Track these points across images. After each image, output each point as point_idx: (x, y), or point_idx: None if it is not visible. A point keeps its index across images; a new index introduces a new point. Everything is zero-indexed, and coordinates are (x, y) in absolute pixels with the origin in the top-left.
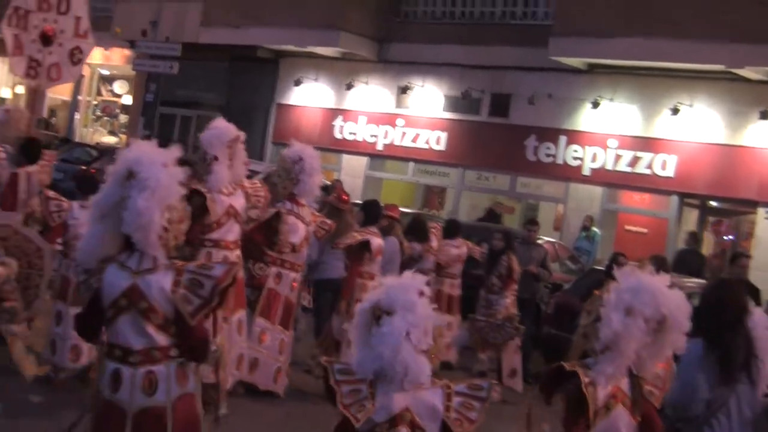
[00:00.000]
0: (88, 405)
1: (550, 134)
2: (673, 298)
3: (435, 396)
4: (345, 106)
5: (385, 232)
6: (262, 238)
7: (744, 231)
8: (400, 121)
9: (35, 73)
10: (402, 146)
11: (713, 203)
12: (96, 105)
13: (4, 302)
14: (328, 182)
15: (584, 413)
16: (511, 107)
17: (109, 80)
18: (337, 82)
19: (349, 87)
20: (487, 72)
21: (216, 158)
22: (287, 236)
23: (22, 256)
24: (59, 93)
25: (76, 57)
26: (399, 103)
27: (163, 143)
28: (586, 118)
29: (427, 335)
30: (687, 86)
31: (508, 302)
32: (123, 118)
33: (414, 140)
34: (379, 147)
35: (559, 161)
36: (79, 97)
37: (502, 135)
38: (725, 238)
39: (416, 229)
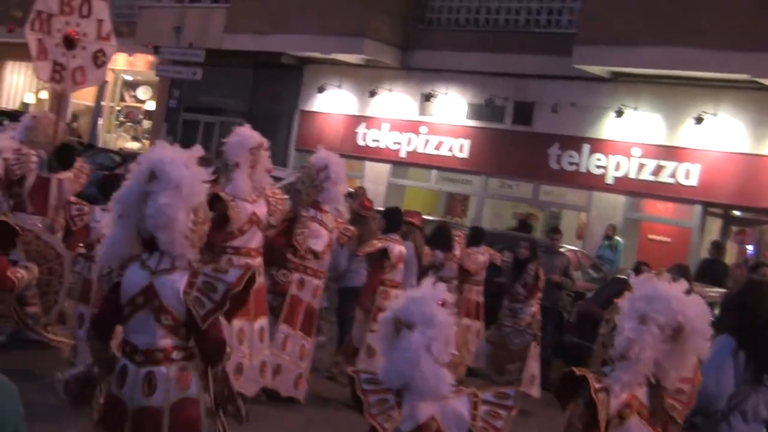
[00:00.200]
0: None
1: (574, 142)
2: (691, 305)
3: (461, 404)
4: (368, 113)
5: (403, 238)
6: (284, 242)
7: (767, 240)
8: (423, 129)
9: (60, 77)
10: (425, 154)
11: (736, 212)
12: (119, 110)
13: (27, 307)
14: (351, 189)
15: (596, 421)
16: (534, 115)
17: (132, 86)
18: (360, 89)
19: (373, 94)
20: (510, 80)
21: (237, 165)
22: (305, 240)
23: (43, 261)
24: (82, 98)
25: (100, 60)
26: (422, 111)
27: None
28: (609, 127)
29: (449, 346)
30: (711, 95)
31: (533, 310)
32: (146, 123)
33: (437, 148)
34: (402, 154)
35: (582, 170)
36: (103, 103)
37: (526, 143)
38: (747, 247)
39: (441, 237)
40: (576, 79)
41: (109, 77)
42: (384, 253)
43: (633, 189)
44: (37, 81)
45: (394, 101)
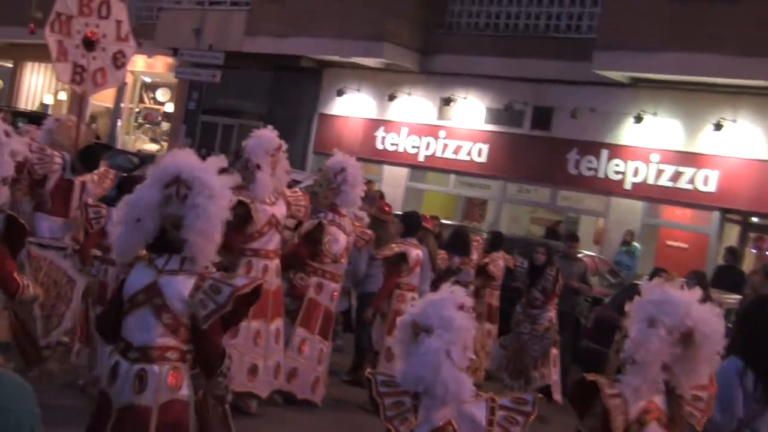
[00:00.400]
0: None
1: (592, 148)
2: (702, 311)
3: (478, 409)
4: (387, 117)
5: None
6: (306, 251)
7: None
8: (442, 133)
9: (81, 78)
10: (443, 158)
11: (755, 219)
12: (138, 112)
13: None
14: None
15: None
16: (553, 120)
17: (151, 88)
18: (379, 93)
19: (392, 98)
20: (529, 85)
21: (259, 167)
22: (331, 246)
23: (53, 286)
24: (101, 100)
25: (120, 61)
26: (441, 115)
27: (201, 151)
28: (628, 133)
29: (468, 350)
30: (730, 101)
31: (551, 316)
32: (165, 125)
33: (456, 152)
34: (421, 158)
35: (601, 175)
36: (122, 105)
37: (544, 148)
38: (767, 253)
39: (458, 242)
40: (595, 84)
41: (129, 79)
42: (402, 257)
43: (651, 195)
44: (56, 82)
45: (413, 105)
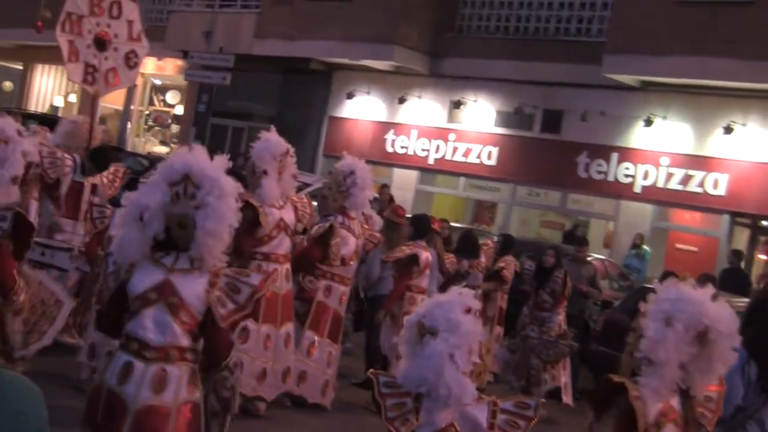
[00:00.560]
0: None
1: (602, 151)
2: (717, 309)
3: (480, 412)
4: (397, 119)
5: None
6: (318, 253)
7: None
8: (451, 136)
9: (93, 79)
10: (453, 161)
11: (765, 223)
12: (148, 114)
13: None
14: (377, 195)
15: (635, 429)
16: (563, 124)
17: (161, 90)
18: (389, 96)
19: (402, 101)
20: (539, 88)
21: (266, 172)
22: (339, 249)
23: (39, 305)
24: (111, 102)
25: (132, 61)
26: (451, 118)
27: (212, 153)
28: (638, 136)
29: (473, 354)
30: (740, 105)
31: (560, 319)
32: (174, 128)
33: (465, 155)
34: (431, 161)
35: (611, 178)
36: (132, 107)
37: (554, 151)
38: None
39: (467, 245)
40: (605, 87)
41: (139, 81)
42: (414, 258)
43: (661, 198)
44: (66, 84)
45: (423, 108)
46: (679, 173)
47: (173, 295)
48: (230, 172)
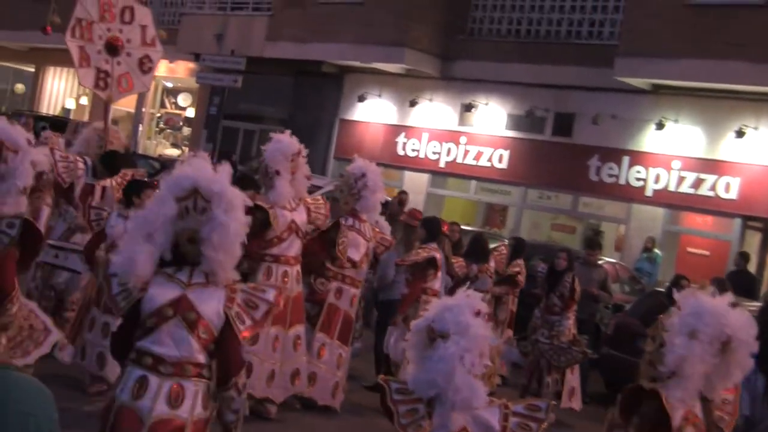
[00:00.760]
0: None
1: (614, 154)
2: (738, 318)
3: (492, 415)
4: (408, 122)
5: None
6: (319, 248)
7: None
8: (463, 139)
9: (105, 84)
10: (464, 164)
11: None
12: (159, 117)
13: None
14: (389, 198)
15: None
16: (574, 127)
17: (173, 93)
18: (400, 99)
19: (413, 104)
20: (551, 91)
21: (278, 172)
22: (345, 249)
23: (27, 328)
24: (123, 105)
25: (146, 66)
26: (462, 121)
27: (232, 158)
28: (649, 139)
29: (483, 357)
30: (752, 108)
31: (570, 323)
32: (186, 130)
33: (476, 158)
34: (442, 164)
35: (622, 182)
36: (143, 109)
37: (565, 154)
38: None
39: (476, 249)
40: (617, 91)
41: (150, 86)
42: (431, 262)
43: (672, 202)
44: (77, 86)
45: (434, 111)
46: (690, 177)
47: (191, 310)
48: (242, 175)
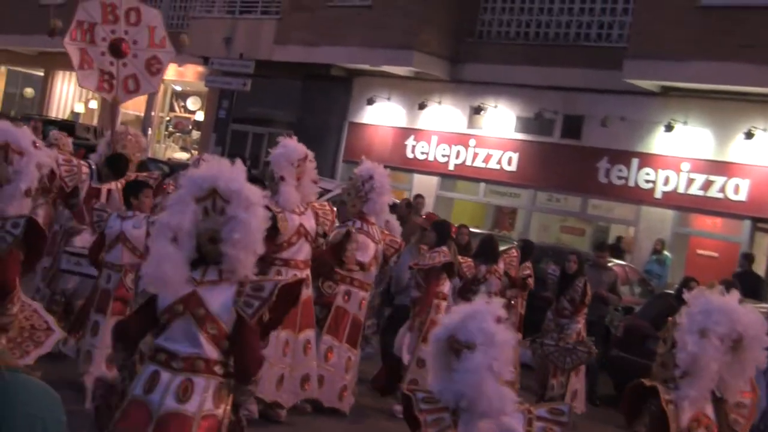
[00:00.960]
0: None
1: (623, 157)
2: (748, 314)
3: (517, 421)
4: (417, 125)
5: None
6: (334, 258)
7: None
8: (472, 142)
9: (110, 86)
10: (473, 167)
11: None
12: (168, 121)
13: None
14: (397, 200)
15: None
16: (583, 129)
17: (182, 96)
18: (409, 102)
19: (422, 107)
20: (560, 93)
21: (282, 178)
22: (354, 255)
23: (28, 328)
24: (132, 108)
25: (155, 67)
26: (471, 124)
27: (246, 162)
28: (659, 141)
29: (509, 363)
30: (761, 110)
31: (579, 327)
32: (195, 134)
33: (486, 161)
34: (451, 167)
35: (631, 184)
36: (152, 113)
37: (574, 157)
38: None
39: (486, 250)
40: (626, 93)
41: (159, 87)
42: (447, 266)
43: (682, 204)
44: (87, 91)
45: (443, 114)
46: (699, 179)
47: (200, 306)
48: (252, 178)
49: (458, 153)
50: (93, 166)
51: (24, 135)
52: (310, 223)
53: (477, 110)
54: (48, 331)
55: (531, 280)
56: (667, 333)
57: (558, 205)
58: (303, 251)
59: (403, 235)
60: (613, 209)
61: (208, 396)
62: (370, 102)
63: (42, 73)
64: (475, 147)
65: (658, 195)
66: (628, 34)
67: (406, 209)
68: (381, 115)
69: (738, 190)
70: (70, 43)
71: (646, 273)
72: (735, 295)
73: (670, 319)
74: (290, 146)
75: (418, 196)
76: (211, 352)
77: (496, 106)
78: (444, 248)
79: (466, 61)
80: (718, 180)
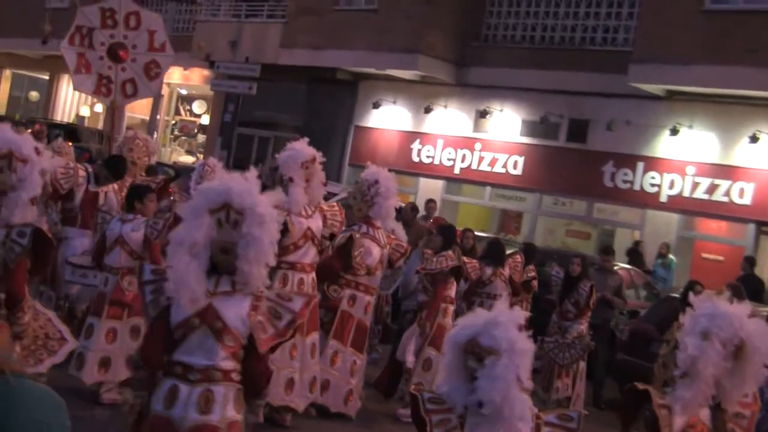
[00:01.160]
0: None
1: (628, 160)
2: (752, 324)
3: (525, 426)
4: (423, 129)
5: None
6: (340, 265)
7: None
8: (477, 145)
9: (108, 90)
10: (479, 170)
11: None
12: (174, 124)
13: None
14: (402, 204)
15: None
16: (589, 133)
17: (187, 100)
18: (415, 106)
19: (428, 110)
20: (565, 97)
21: (291, 180)
22: (363, 259)
23: (42, 337)
24: (138, 112)
25: (153, 71)
26: (477, 127)
27: (259, 167)
28: (664, 145)
29: (528, 371)
30: (766, 114)
31: (582, 328)
32: (201, 137)
33: (491, 164)
34: (456, 171)
35: (636, 188)
36: (158, 117)
37: (580, 160)
38: None
39: (493, 253)
40: (631, 97)
41: (165, 91)
42: (455, 271)
43: (687, 207)
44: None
45: (449, 117)
46: (704, 182)
47: (217, 319)
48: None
49: (464, 157)
50: (90, 170)
51: (26, 142)
52: (317, 225)
53: (482, 114)
54: (62, 341)
55: (535, 283)
56: (671, 335)
57: (563, 209)
58: (309, 254)
59: (408, 239)
60: (619, 213)
61: (229, 403)
62: (376, 105)
63: (47, 77)
64: (480, 150)
65: (663, 199)
66: (634, 38)
67: (411, 213)
68: (387, 118)
69: (743, 193)
70: (68, 47)
71: (651, 276)
72: (745, 303)
73: (675, 322)
74: (299, 148)
75: (430, 201)
76: (228, 362)
77: (501, 110)
78: (450, 252)
79: (471, 64)
80: (723, 184)
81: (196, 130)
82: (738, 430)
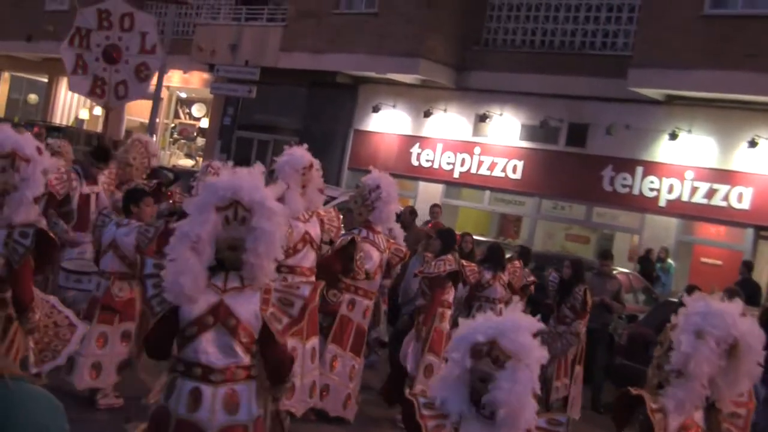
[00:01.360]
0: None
1: (627, 165)
2: (745, 323)
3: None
4: (423, 133)
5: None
6: (340, 266)
7: None
8: (477, 149)
9: (102, 91)
10: (479, 174)
11: None
12: (173, 127)
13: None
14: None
15: None
16: (588, 137)
17: (187, 103)
18: (415, 109)
19: (427, 114)
20: (565, 101)
21: (287, 186)
22: (363, 263)
23: (52, 326)
24: (137, 115)
25: (143, 73)
26: (476, 131)
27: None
28: (663, 150)
29: (538, 378)
30: (765, 119)
31: (580, 329)
32: (200, 141)
33: (491, 168)
34: (456, 175)
35: (636, 192)
36: (157, 120)
37: (579, 165)
38: None
39: (493, 257)
40: (630, 101)
41: (164, 94)
42: (453, 275)
43: (686, 212)
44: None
45: (449, 121)
46: (703, 187)
47: (230, 316)
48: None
49: (463, 161)
50: (80, 171)
51: (28, 141)
52: (315, 230)
53: (482, 118)
54: (71, 327)
55: (532, 287)
56: (664, 336)
57: (563, 213)
58: (308, 258)
59: (406, 243)
60: (618, 217)
61: (252, 399)
62: (376, 109)
63: (46, 80)
64: (480, 155)
65: (662, 203)
66: (633, 43)
67: (410, 217)
68: (386, 122)
69: (741, 198)
70: (68, 48)
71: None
72: (737, 303)
73: (668, 324)
74: (296, 154)
75: (435, 206)
76: (246, 358)
77: (501, 114)
78: (449, 257)
79: (471, 68)
80: (722, 188)
81: (195, 134)
82: (734, 429)
